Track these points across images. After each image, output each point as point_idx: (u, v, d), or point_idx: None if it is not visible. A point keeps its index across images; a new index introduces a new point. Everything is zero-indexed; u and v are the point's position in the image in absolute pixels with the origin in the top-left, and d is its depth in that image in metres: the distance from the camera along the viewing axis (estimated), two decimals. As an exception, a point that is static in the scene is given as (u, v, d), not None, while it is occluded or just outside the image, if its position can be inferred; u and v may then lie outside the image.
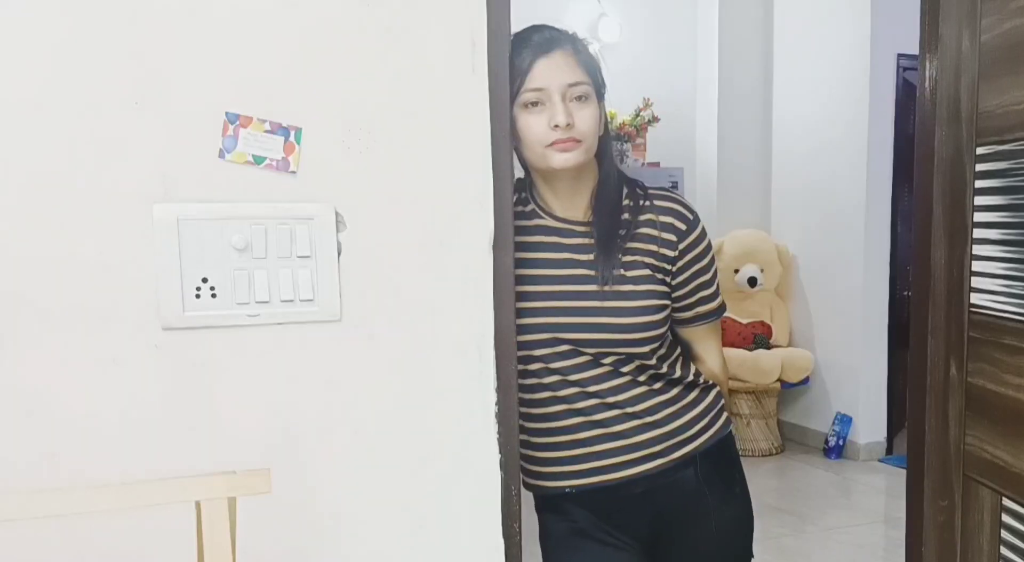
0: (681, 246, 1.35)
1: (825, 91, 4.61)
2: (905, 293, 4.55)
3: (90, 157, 1.00)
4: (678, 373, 1.39)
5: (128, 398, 1.03)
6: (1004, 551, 1.29)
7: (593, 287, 1.31)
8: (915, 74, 1.54)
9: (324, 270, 1.09)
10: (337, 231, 1.09)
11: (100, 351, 1.02)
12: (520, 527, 1.23)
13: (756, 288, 4.76)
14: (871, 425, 4.59)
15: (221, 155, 1.04)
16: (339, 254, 1.10)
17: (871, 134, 4.38)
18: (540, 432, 1.36)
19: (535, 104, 1.26)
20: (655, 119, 4.59)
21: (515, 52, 1.23)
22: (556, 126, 1.24)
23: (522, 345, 1.28)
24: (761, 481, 4.33)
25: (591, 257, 1.32)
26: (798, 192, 4.87)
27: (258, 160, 1.06)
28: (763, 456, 4.67)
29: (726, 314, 5.39)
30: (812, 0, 4.71)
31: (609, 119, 1.40)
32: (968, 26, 1.31)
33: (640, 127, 4.55)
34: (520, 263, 1.27)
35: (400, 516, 1.16)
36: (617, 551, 1.39)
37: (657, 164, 4.61)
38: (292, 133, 1.07)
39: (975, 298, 1.32)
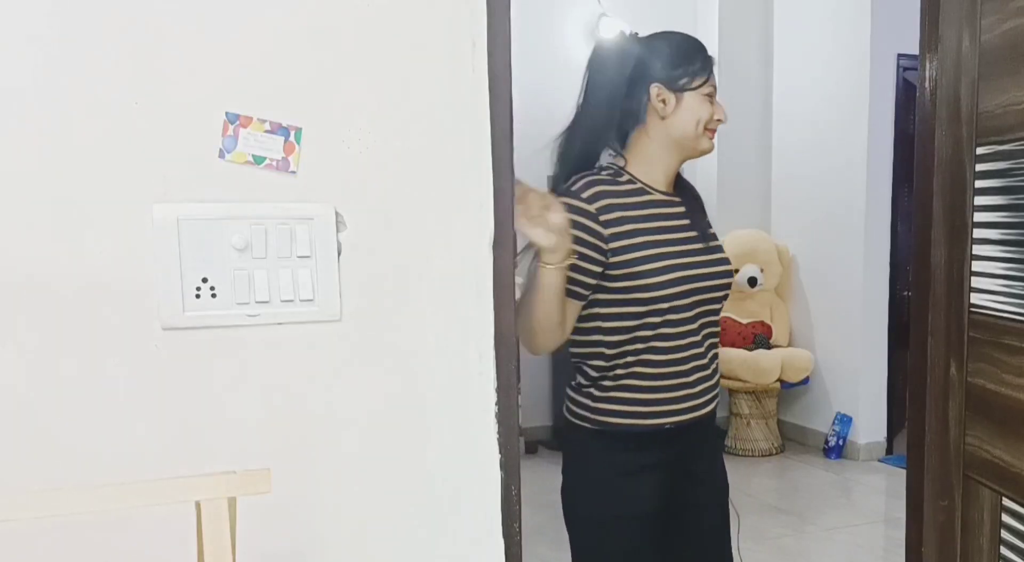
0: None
1: (825, 91, 4.61)
2: (905, 293, 4.54)
3: (90, 157, 1.00)
4: None
5: (127, 398, 1.03)
6: (1004, 551, 1.29)
7: (700, 245, 1.61)
8: (915, 74, 1.55)
9: (324, 270, 1.09)
10: (337, 231, 1.10)
11: (100, 351, 1.02)
12: (520, 527, 1.23)
13: (756, 288, 4.76)
14: (871, 425, 4.59)
15: (221, 155, 1.04)
16: (339, 254, 1.10)
17: (871, 134, 4.38)
18: (663, 375, 1.56)
19: (708, 96, 1.58)
20: (655, 119, 4.59)
21: (694, 51, 1.60)
22: (719, 120, 1.59)
23: (676, 297, 1.53)
24: (761, 481, 4.33)
25: (688, 221, 1.62)
26: (798, 192, 4.87)
27: (258, 160, 1.06)
28: (763, 456, 4.66)
29: (727, 314, 5.39)
30: (812, 0, 4.71)
31: None
32: (968, 26, 1.31)
33: (640, 127, 4.55)
34: (653, 231, 1.55)
35: (400, 516, 1.16)
36: (663, 476, 1.62)
37: (657, 164, 4.61)
38: (292, 133, 1.07)
39: (975, 298, 1.32)
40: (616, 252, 1.51)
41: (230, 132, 1.04)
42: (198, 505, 0.85)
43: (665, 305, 1.52)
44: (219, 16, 1.03)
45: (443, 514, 1.18)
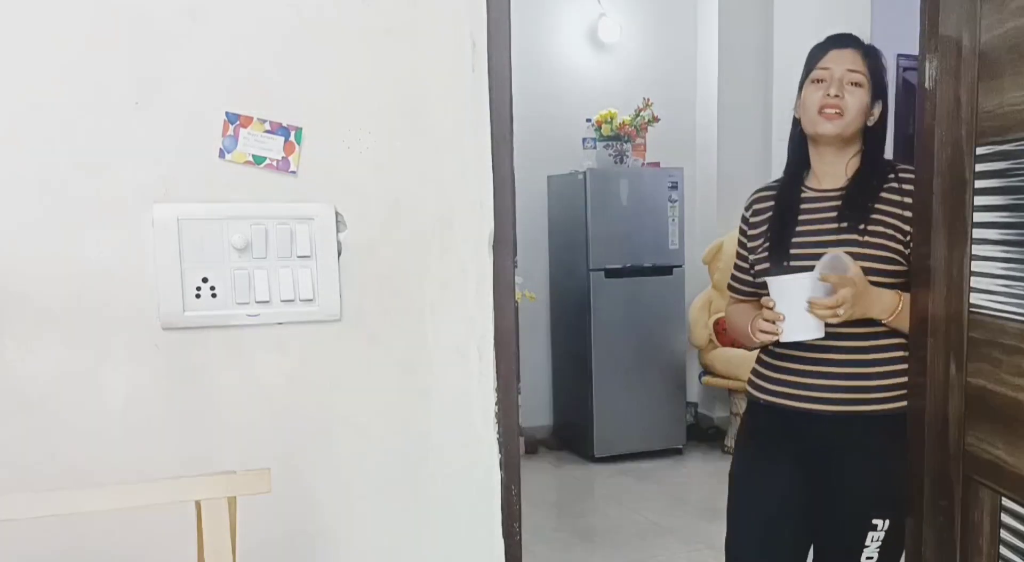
0: None
1: (825, 91, 4.61)
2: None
3: (90, 157, 1.00)
4: None
5: (128, 398, 1.03)
6: (1004, 551, 1.29)
7: (832, 237, 1.56)
8: (915, 74, 1.54)
9: (324, 270, 1.09)
10: (337, 231, 1.10)
11: (100, 351, 1.02)
12: (520, 527, 1.23)
13: (756, 288, 4.76)
14: (871, 425, 4.59)
15: (221, 155, 1.04)
16: (339, 254, 1.10)
17: (871, 134, 4.39)
18: (783, 355, 1.62)
19: (819, 81, 1.58)
20: (655, 119, 4.58)
21: (820, 45, 1.64)
22: (827, 94, 1.54)
23: None
24: (761, 481, 4.33)
25: (834, 214, 1.57)
26: (798, 192, 4.87)
27: (258, 160, 1.06)
28: (763, 456, 4.67)
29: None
30: (812, 1, 4.71)
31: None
32: (968, 26, 1.31)
33: (640, 127, 4.54)
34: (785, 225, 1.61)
35: (400, 516, 1.16)
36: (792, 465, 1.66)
37: (657, 164, 4.60)
38: (292, 133, 1.07)
39: (975, 298, 1.32)
40: (752, 250, 1.67)
41: (230, 132, 1.04)
42: (198, 505, 0.85)
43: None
44: (219, 17, 1.03)
45: (443, 514, 1.18)
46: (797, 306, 1.48)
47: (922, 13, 1.43)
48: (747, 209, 1.73)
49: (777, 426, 1.64)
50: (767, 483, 1.66)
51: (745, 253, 1.72)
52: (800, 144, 1.66)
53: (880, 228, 1.52)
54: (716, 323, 4.80)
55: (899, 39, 4.20)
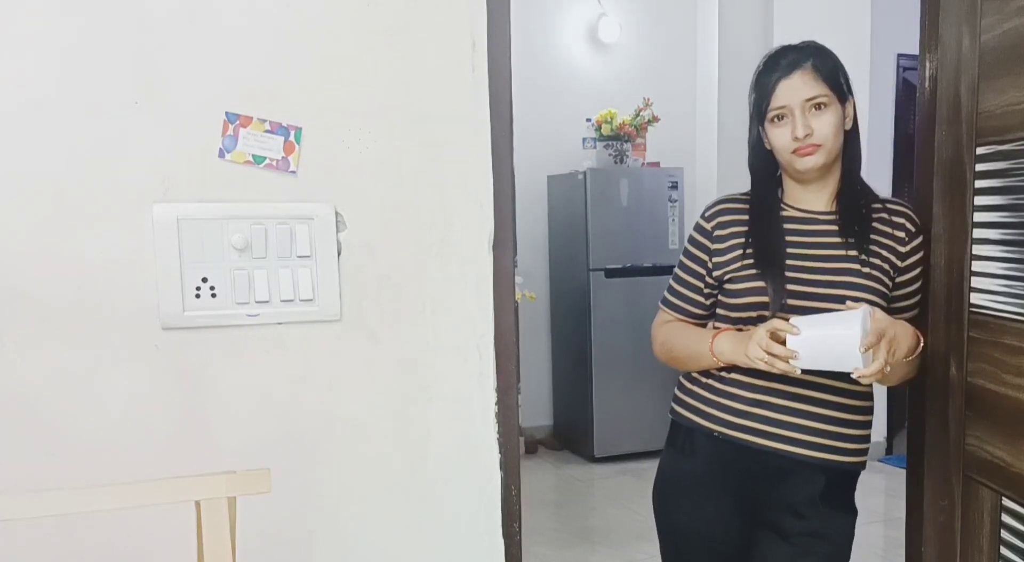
0: (911, 245, 1.46)
1: (825, 91, 4.61)
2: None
3: (90, 157, 1.00)
4: None
5: (128, 398, 1.03)
6: (1004, 551, 1.29)
7: (820, 263, 1.45)
8: (915, 74, 1.54)
9: (324, 270, 1.09)
10: (337, 231, 1.10)
11: (100, 351, 1.02)
12: (520, 527, 1.23)
13: (756, 288, 4.75)
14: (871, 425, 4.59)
15: (221, 155, 1.04)
16: (339, 254, 1.10)
17: (871, 134, 4.37)
18: (735, 383, 1.48)
19: (780, 118, 1.47)
20: (655, 119, 4.58)
21: (764, 73, 1.51)
22: (796, 138, 1.42)
23: (754, 308, 1.45)
24: (761, 481, 4.33)
25: (819, 240, 1.47)
26: (798, 192, 4.87)
27: (258, 160, 1.06)
28: (763, 456, 4.66)
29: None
30: (812, 0, 4.71)
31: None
32: (968, 26, 1.31)
33: (640, 127, 4.54)
34: (768, 244, 1.49)
35: (400, 516, 1.16)
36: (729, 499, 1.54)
37: (657, 164, 4.60)
38: (292, 133, 1.07)
39: (975, 298, 1.32)
40: (719, 265, 1.52)
41: (230, 132, 1.04)
42: (198, 505, 0.85)
43: (753, 315, 1.44)
44: (219, 17, 1.03)
45: (443, 514, 1.18)
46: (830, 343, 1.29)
47: (922, 13, 1.43)
48: (708, 220, 1.56)
49: (734, 465, 1.48)
50: (725, 536, 1.52)
51: (702, 271, 1.54)
52: (767, 153, 1.55)
53: (877, 261, 1.43)
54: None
55: (899, 39, 4.22)
